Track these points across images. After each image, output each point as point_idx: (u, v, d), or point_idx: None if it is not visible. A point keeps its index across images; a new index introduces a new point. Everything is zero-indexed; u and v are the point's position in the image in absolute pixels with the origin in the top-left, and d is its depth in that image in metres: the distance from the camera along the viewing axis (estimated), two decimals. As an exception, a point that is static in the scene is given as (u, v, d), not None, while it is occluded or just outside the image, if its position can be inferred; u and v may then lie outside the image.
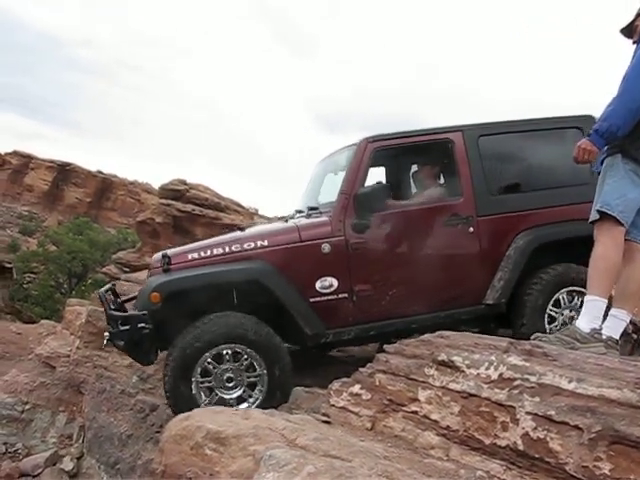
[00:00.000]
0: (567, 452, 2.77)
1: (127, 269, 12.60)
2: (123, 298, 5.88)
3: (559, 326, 5.27)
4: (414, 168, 6.19)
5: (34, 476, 7.25)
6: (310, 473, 2.45)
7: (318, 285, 5.03)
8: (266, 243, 5.06)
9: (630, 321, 5.74)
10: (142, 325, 4.79)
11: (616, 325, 4.02)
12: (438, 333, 3.87)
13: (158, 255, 5.19)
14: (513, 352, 3.31)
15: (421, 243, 5.31)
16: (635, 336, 5.87)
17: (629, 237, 4.05)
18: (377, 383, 3.67)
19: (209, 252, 5.05)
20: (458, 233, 5.37)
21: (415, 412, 3.44)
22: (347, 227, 5.14)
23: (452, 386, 3.35)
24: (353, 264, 5.11)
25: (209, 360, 4.67)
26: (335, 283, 5.05)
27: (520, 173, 5.86)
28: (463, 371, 3.35)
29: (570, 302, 5.40)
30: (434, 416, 3.35)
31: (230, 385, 4.69)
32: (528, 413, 2.98)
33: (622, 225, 3.96)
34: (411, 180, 6.23)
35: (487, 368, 3.27)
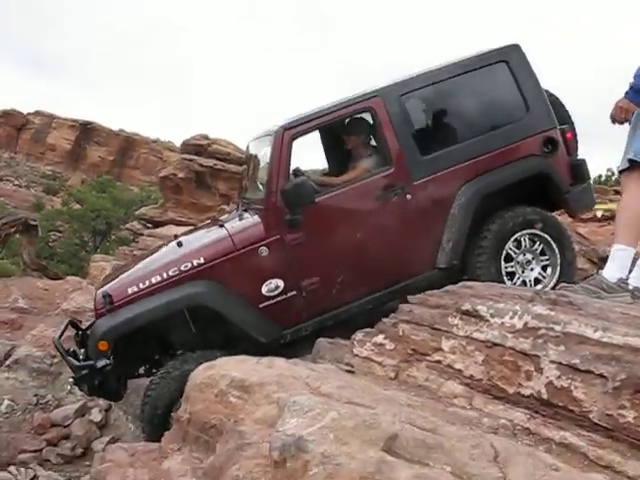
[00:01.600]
0: (591, 400, 2.76)
1: (150, 225, 12.69)
2: (85, 326, 5.72)
3: (515, 266, 5.10)
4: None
5: (64, 426, 7.40)
6: (334, 419, 2.46)
7: (264, 290, 4.91)
8: (202, 260, 4.90)
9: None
10: (103, 364, 4.72)
11: (643, 275, 3.96)
12: (462, 283, 3.85)
13: (99, 295, 4.97)
14: (538, 301, 3.28)
15: (360, 224, 5.07)
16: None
17: None
18: (401, 333, 3.67)
19: (147, 282, 4.87)
20: (396, 204, 5.10)
21: (439, 361, 3.44)
22: (281, 225, 4.95)
23: (476, 335, 3.34)
24: (295, 261, 4.96)
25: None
26: (281, 284, 4.93)
27: (451, 124, 5.58)
28: (487, 320, 3.34)
29: (531, 246, 5.19)
30: (458, 365, 3.35)
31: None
32: (552, 362, 2.96)
33: None
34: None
35: (512, 317, 3.25)
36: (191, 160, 14.70)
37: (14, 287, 11.35)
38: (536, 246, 5.18)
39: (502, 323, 3.28)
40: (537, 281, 5.14)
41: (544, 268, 5.18)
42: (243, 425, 2.78)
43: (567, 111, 5.70)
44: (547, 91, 5.56)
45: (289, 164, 5.05)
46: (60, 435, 7.29)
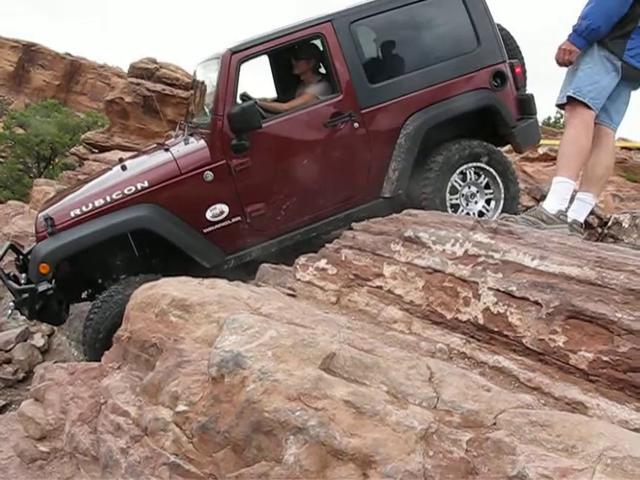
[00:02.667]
0: (525, 326, 2.84)
1: (96, 150, 12.37)
2: (26, 250, 5.57)
3: (459, 199, 5.17)
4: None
5: (6, 351, 7.34)
6: (272, 337, 2.49)
7: (209, 215, 4.89)
8: (146, 184, 4.83)
9: (595, 214, 5.82)
10: (44, 288, 4.64)
11: (582, 208, 4.06)
12: (406, 211, 3.88)
13: (41, 218, 4.89)
14: (479, 230, 3.34)
15: (306, 151, 5.05)
16: (600, 230, 5.96)
17: (598, 121, 4.05)
18: (343, 258, 3.70)
19: (90, 205, 4.79)
20: (343, 132, 5.08)
21: (380, 287, 3.48)
22: (226, 150, 4.90)
23: (417, 262, 3.38)
24: (240, 187, 4.93)
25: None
26: (225, 209, 4.91)
27: (401, 54, 5.51)
28: (429, 247, 3.38)
29: (476, 180, 5.23)
30: (398, 291, 3.40)
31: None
32: (490, 289, 3.03)
33: (592, 110, 3.95)
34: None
35: (453, 245, 3.30)
36: (138, 84, 14.30)
37: (-46, 210, 11.04)
38: (481, 179, 5.22)
39: (443, 250, 3.33)
40: (481, 214, 5.20)
41: (488, 202, 5.25)
42: (183, 344, 2.78)
43: (517, 45, 5.68)
44: (498, 25, 5.52)
45: (236, 88, 4.95)
46: (2, 359, 7.23)
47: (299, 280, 3.80)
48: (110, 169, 5.78)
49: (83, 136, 13.88)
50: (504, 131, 5.36)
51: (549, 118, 21.41)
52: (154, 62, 14.94)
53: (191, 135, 5.32)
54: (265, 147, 4.96)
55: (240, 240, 4.98)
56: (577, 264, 2.85)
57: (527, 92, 5.55)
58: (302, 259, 3.92)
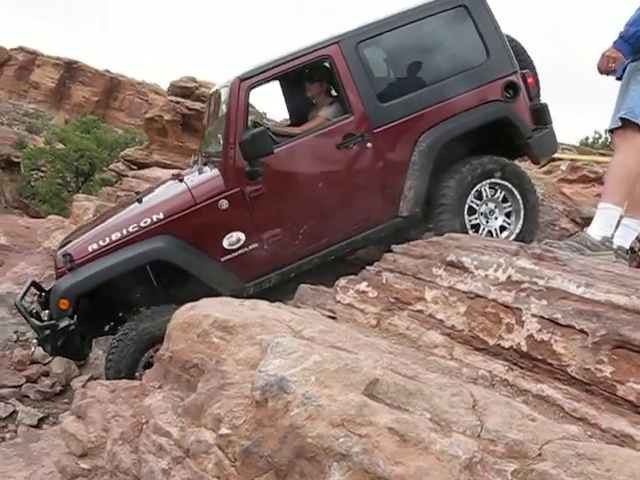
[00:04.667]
0: (570, 355, 2.80)
1: (135, 167, 12.54)
2: (48, 287, 5.51)
3: (478, 218, 5.08)
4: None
5: (44, 364, 7.44)
6: (316, 362, 2.48)
7: (226, 243, 4.87)
8: (161, 216, 4.83)
9: (637, 238, 5.72)
10: (65, 324, 4.66)
11: (628, 234, 3.99)
12: (447, 235, 3.86)
13: (60, 255, 4.92)
14: (523, 255, 3.30)
15: (320, 174, 5.01)
16: (644, 256, 5.86)
17: None
18: (384, 281, 3.69)
19: (107, 239, 4.81)
20: (356, 153, 5.05)
21: (421, 311, 3.46)
22: (240, 177, 4.87)
23: (459, 287, 3.36)
24: (255, 213, 4.91)
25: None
26: (242, 237, 4.89)
27: (411, 71, 5.48)
28: (471, 272, 3.35)
29: (493, 195, 5.14)
30: (439, 315, 3.37)
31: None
32: (534, 315, 2.99)
33: None
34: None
35: (496, 270, 3.27)
36: (178, 102, 14.48)
37: (-5, 223, 11.25)
38: (497, 194, 5.14)
39: (486, 275, 3.30)
40: (502, 229, 5.14)
41: (508, 215, 5.17)
42: (225, 365, 2.79)
43: (528, 55, 5.63)
44: (508, 36, 5.49)
45: (246, 115, 4.98)
46: (39, 372, 7.32)
47: (339, 302, 3.79)
48: (127, 203, 5.79)
49: (122, 153, 14.07)
50: (519, 142, 5.29)
51: (587, 138, 21.16)
52: (194, 81, 15.12)
53: (205, 164, 5.33)
54: (278, 172, 4.95)
55: (258, 267, 4.96)
56: (625, 292, 2.80)
57: (541, 102, 5.47)
58: (342, 281, 3.91)
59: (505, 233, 5.11)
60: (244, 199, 4.88)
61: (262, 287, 4.94)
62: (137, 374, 4.49)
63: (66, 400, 6.80)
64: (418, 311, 3.47)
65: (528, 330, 2.98)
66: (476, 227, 5.08)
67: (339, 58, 5.03)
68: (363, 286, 3.76)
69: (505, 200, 5.16)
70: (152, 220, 4.82)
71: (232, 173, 4.89)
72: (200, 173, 5.19)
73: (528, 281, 3.12)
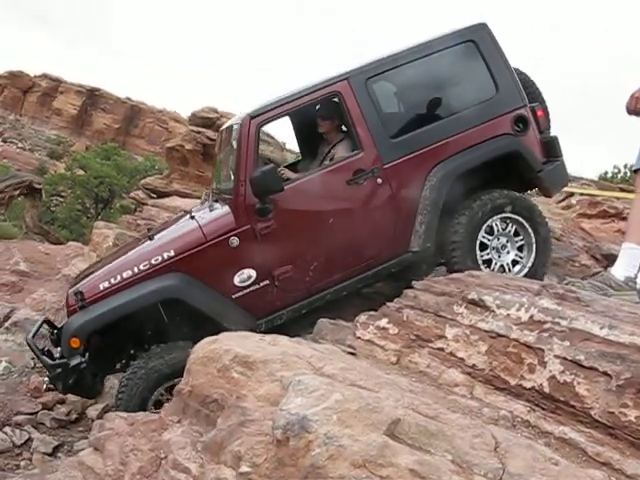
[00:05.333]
0: (593, 397, 2.77)
1: (154, 195, 12.63)
2: (60, 324, 5.56)
3: (490, 253, 5.03)
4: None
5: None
6: (337, 400, 2.47)
7: (237, 280, 4.85)
8: (172, 253, 4.84)
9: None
10: (76, 362, 4.67)
11: (651, 275, 3.96)
12: (468, 272, 3.85)
13: (71, 293, 4.92)
14: (545, 295, 3.28)
15: (330, 210, 4.98)
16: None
17: None
18: (405, 318, 3.68)
19: (119, 277, 4.82)
20: (367, 189, 5.02)
21: (441, 349, 3.44)
22: (250, 214, 4.86)
23: (481, 325, 3.34)
24: (266, 250, 4.88)
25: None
26: (253, 274, 4.87)
27: (420, 106, 5.46)
28: (493, 311, 3.34)
29: (504, 229, 5.09)
30: (460, 354, 3.35)
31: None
32: (557, 356, 2.97)
33: None
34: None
35: (518, 309, 3.26)
36: (199, 132, 14.59)
37: (16, 250, 11.33)
38: (509, 228, 5.10)
39: (508, 314, 3.29)
40: (515, 262, 5.10)
41: (520, 249, 5.12)
42: (245, 401, 2.78)
43: (537, 88, 5.63)
44: (517, 69, 5.50)
45: (257, 152, 4.98)
46: (55, 400, 7.31)
47: (359, 338, 3.78)
48: (139, 240, 5.82)
49: (143, 181, 14.18)
50: (530, 176, 5.26)
51: (606, 173, 21.07)
52: (215, 111, 15.26)
53: (216, 201, 5.35)
54: (289, 209, 4.94)
55: (270, 304, 4.94)
56: (649, 335, 2.78)
57: (551, 135, 5.45)
58: (363, 317, 3.90)
59: (517, 267, 5.07)
60: (255, 236, 4.87)
61: (274, 324, 4.91)
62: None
63: (81, 428, 6.79)
64: (439, 349, 3.46)
65: (550, 371, 2.96)
66: (488, 262, 5.05)
67: (348, 94, 5.04)
68: (384, 322, 3.75)
69: (517, 234, 5.13)
70: (163, 258, 4.83)
71: (242, 210, 4.89)
72: (211, 210, 5.21)
73: (550, 321, 3.10)
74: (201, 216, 5.20)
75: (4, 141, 57.29)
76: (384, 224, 5.05)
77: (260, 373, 2.91)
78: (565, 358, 2.93)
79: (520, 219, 5.07)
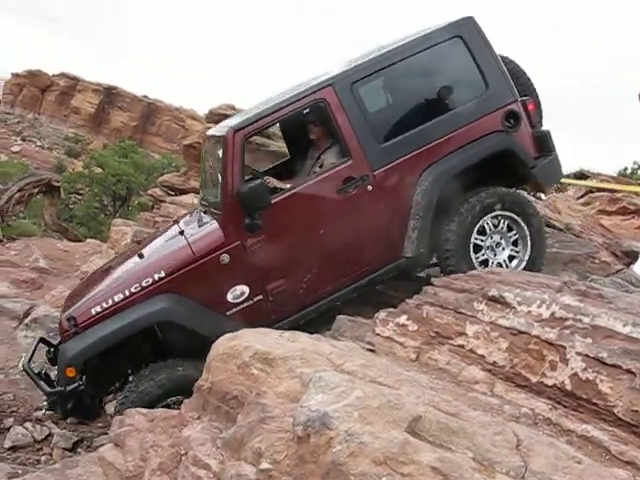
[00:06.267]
0: (617, 395, 2.74)
1: (172, 192, 12.61)
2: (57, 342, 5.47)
3: (485, 253, 4.92)
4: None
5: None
6: (358, 397, 2.46)
7: (230, 297, 4.78)
8: (163, 274, 4.76)
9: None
10: (74, 386, 4.63)
11: (673, 271, 3.92)
12: (488, 269, 3.83)
13: (64, 319, 4.86)
14: (567, 292, 3.26)
15: (321, 221, 4.87)
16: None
17: None
18: (424, 315, 3.66)
19: (110, 301, 4.74)
20: (358, 196, 4.87)
21: (461, 346, 3.42)
22: (240, 230, 4.76)
23: (501, 322, 3.32)
24: (258, 265, 4.80)
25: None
26: (246, 289, 4.79)
27: (408, 108, 5.28)
28: (514, 308, 3.32)
29: (496, 227, 4.96)
30: (480, 351, 3.33)
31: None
32: (579, 354, 2.95)
33: None
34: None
35: (539, 306, 3.23)
36: (216, 129, 14.59)
37: (35, 247, 11.40)
38: (501, 225, 5.00)
39: (529, 311, 3.26)
40: (512, 258, 5.01)
41: (515, 243, 5.03)
42: (265, 398, 2.78)
43: (529, 79, 5.51)
44: (506, 58, 5.38)
45: (242, 166, 4.86)
46: (75, 396, 7.36)
47: (378, 335, 3.76)
48: (128, 256, 5.71)
49: (160, 179, 14.17)
50: (523, 172, 5.15)
51: (625, 169, 20.89)
52: (232, 108, 15.24)
53: (205, 213, 5.27)
54: (279, 223, 4.84)
55: (264, 318, 4.79)
56: (673, 332, 2.75)
57: (543, 129, 5.30)
58: (382, 314, 3.89)
59: (515, 262, 4.98)
60: (245, 252, 4.79)
61: None
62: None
63: (100, 424, 6.81)
64: (459, 346, 3.44)
65: (572, 368, 2.93)
66: (485, 262, 4.94)
67: (334, 100, 4.90)
68: (403, 319, 3.73)
69: (510, 229, 5.03)
70: (154, 279, 4.76)
71: (231, 226, 4.81)
72: (200, 225, 5.12)
73: (572, 318, 3.07)
74: (190, 232, 5.10)
75: (23, 140, 57.74)
76: (376, 231, 4.95)
77: (280, 370, 2.90)
78: (587, 355, 2.91)
79: (511, 214, 4.97)
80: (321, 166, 5.19)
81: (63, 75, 68.87)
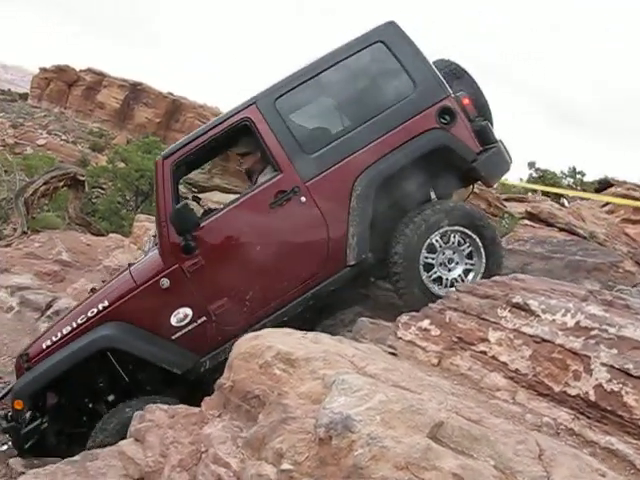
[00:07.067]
0: (642, 408, 2.71)
1: (195, 189, 12.67)
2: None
3: (437, 270, 4.82)
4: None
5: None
6: (381, 401, 2.46)
7: (174, 320, 4.81)
8: (106, 303, 4.85)
9: None
10: (35, 425, 4.72)
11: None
12: (513, 275, 3.80)
13: (19, 355, 5.02)
14: (592, 301, 3.22)
15: (256, 237, 4.87)
16: None
17: None
18: (447, 320, 3.64)
19: (59, 334, 4.85)
20: (291, 209, 4.85)
21: (484, 352, 3.40)
22: (177, 254, 4.81)
23: (525, 330, 3.29)
24: (198, 287, 4.83)
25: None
26: (189, 312, 4.82)
27: (335, 116, 5.32)
28: (538, 315, 3.29)
29: (447, 243, 4.86)
30: (503, 358, 3.31)
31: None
32: (603, 364, 2.91)
33: None
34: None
35: (564, 315, 3.20)
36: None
37: (58, 240, 11.52)
38: (452, 240, 4.90)
39: (553, 320, 3.23)
40: (467, 272, 4.89)
41: (469, 256, 4.91)
42: (287, 398, 2.78)
43: (470, 76, 5.44)
44: (447, 60, 5.37)
45: (174, 192, 4.96)
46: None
47: (400, 339, 3.75)
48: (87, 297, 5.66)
49: (184, 176, 14.27)
50: (465, 167, 5.04)
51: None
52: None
53: (156, 244, 5.27)
54: (213, 243, 4.89)
55: (211, 339, 4.87)
56: (701, 345, 2.71)
57: (481, 122, 5.17)
58: (404, 317, 3.87)
59: (471, 275, 4.86)
60: (184, 275, 4.82)
61: (218, 359, 4.80)
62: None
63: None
64: (481, 352, 3.41)
65: (597, 379, 2.90)
66: (438, 280, 4.85)
67: (258, 117, 4.92)
68: (426, 324, 3.71)
69: (461, 243, 4.91)
70: (98, 309, 4.85)
71: (168, 250, 4.86)
72: (146, 255, 5.26)
73: (598, 328, 3.04)
74: (137, 263, 5.22)
75: (49, 133, 58.34)
76: (315, 243, 4.90)
77: (302, 370, 2.91)
78: (612, 366, 2.87)
79: (461, 228, 4.87)
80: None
81: (89, 70, 69.51)
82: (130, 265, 5.33)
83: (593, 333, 3.05)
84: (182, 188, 13.08)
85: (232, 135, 5.16)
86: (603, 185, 18.72)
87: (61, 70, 68.17)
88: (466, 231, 4.86)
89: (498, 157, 5.12)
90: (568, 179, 17.47)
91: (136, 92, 67.57)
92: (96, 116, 66.80)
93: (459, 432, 2.45)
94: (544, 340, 3.20)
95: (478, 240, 4.87)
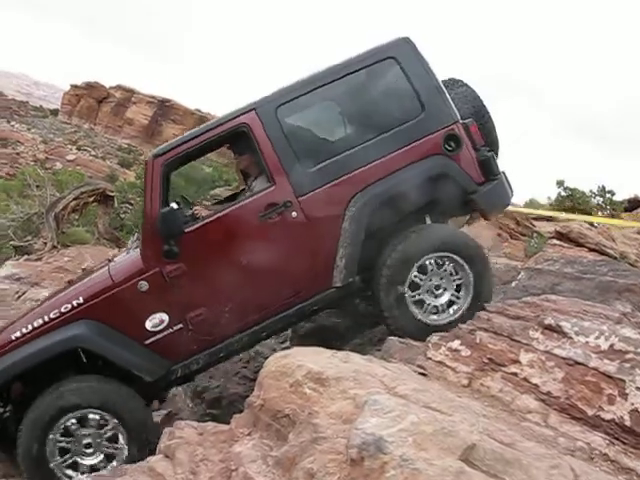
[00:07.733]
0: (679, 434, 2.67)
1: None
2: None
3: (422, 293, 4.55)
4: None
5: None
6: (413, 422, 2.45)
7: (149, 325, 4.65)
8: (81, 300, 4.66)
9: None
10: None
11: None
12: (544, 296, 3.77)
13: None
14: (627, 324, 3.20)
15: (242, 248, 4.68)
16: None
17: None
18: (478, 341, 3.61)
19: (30, 327, 4.64)
20: (281, 223, 4.67)
21: (515, 374, 3.37)
22: (158, 257, 4.63)
23: (557, 352, 3.26)
24: (177, 293, 4.66)
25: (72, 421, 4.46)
26: (165, 318, 4.66)
27: (337, 131, 5.12)
28: (571, 337, 3.26)
29: (439, 268, 4.60)
30: (535, 380, 3.28)
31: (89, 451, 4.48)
32: (639, 389, 2.88)
33: None
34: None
35: (597, 337, 3.17)
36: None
37: (87, 255, 11.65)
38: (437, 270, 4.66)
39: (586, 342, 3.20)
40: (451, 303, 4.62)
41: (458, 289, 4.65)
42: (317, 418, 2.78)
43: (481, 101, 5.26)
44: (459, 81, 5.21)
45: (164, 193, 4.74)
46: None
47: (430, 359, 3.73)
48: (63, 288, 5.59)
49: (212, 192, 14.34)
50: (464, 197, 4.82)
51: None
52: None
53: (128, 251, 5.21)
54: (197, 250, 4.72)
55: (185, 348, 4.73)
56: None
57: (486, 152, 4.95)
58: (434, 337, 3.85)
59: (453, 308, 4.59)
60: (164, 279, 4.67)
61: (190, 369, 4.74)
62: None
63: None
64: (512, 374, 3.38)
65: (632, 404, 2.87)
66: (420, 303, 4.61)
67: (256, 125, 4.73)
68: (456, 344, 3.69)
69: (453, 274, 4.66)
70: (72, 305, 4.67)
71: (150, 253, 4.71)
72: (127, 254, 5.09)
73: (633, 351, 3.01)
74: (117, 261, 5.08)
75: (78, 149, 59.21)
76: (303, 260, 4.73)
77: (332, 390, 2.90)
78: (648, 391, 2.84)
79: (445, 258, 4.64)
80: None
81: (119, 87, 70.65)
82: (109, 261, 5.22)
83: (628, 357, 3.02)
84: (210, 205, 13.18)
85: (227, 140, 5.07)
86: (633, 204, 18.52)
87: (91, 87, 69.30)
88: (453, 257, 4.63)
89: (499, 190, 4.95)
90: (597, 198, 17.24)
91: (164, 109, 68.49)
92: (125, 132, 67.83)
93: (491, 455, 2.42)
94: (577, 363, 3.17)
95: (466, 266, 4.63)
